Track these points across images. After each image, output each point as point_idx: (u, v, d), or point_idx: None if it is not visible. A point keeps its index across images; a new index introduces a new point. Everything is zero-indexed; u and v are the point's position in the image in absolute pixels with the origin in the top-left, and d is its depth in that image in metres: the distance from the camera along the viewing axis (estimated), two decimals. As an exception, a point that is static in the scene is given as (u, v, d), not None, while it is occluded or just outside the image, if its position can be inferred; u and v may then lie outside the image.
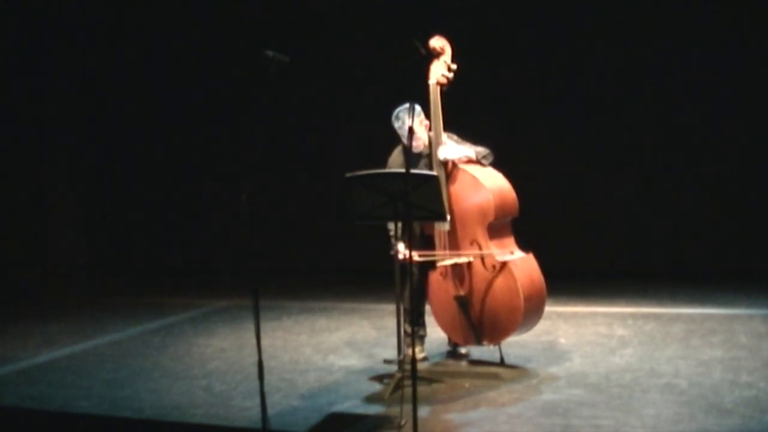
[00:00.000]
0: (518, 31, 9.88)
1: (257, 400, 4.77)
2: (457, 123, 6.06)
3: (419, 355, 6.07)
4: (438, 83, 5.87)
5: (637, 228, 9.71)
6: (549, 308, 6.22)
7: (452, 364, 6.17)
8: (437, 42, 5.91)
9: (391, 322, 6.58)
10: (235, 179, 5.87)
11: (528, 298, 5.71)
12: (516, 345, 6.27)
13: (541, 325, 6.31)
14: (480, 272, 5.81)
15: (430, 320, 6.25)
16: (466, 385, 5.65)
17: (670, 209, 9.58)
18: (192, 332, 7.77)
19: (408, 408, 4.61)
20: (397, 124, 5.96)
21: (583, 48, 9.71)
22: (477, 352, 6.21)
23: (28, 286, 10.91)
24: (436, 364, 6.18)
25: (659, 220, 9.63)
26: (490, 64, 9.57)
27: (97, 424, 5.30)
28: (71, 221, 11.92)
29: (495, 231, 5.83)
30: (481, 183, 5.78)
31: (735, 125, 9.34)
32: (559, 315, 7.60)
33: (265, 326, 6.30)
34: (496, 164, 6.00)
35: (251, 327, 4.70)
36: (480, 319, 5.84)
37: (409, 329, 5.99)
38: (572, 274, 8.91)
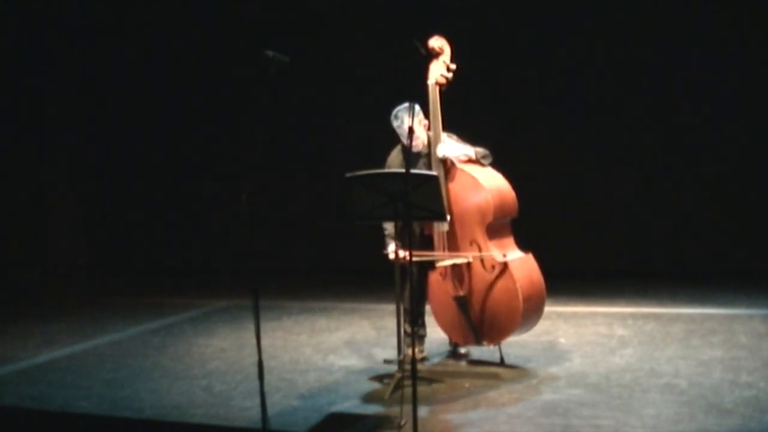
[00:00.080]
0: (518, 31, 9.87)
1: (257, 400, 4.77)
2: (457, 123, 6.06)
3: (419, 355, 6.07)
4: (437, 83, 5.87)
5: (637, 228, 9.70)
6: (549, 308, 6.22)
7: (452, 364, 6.17)
8: (436, 42, 5.92)
9: (391, 322, 6.58)
10: (235, 179, 5.87)
11: (527, 299, 5.71)
12: (516, 345, 6.27)
13: (541, 325, 6.31)
14: (479, 273, 5.80)
15: (430, 320, 6.25)
16: (466, 385, 5.65)
17: (670, 209, 9.58)
18: (192, 332, 7.77)
19: (408, 408, 4.61)
20: (395, 124, 5.96)
21: (583, 48, 9.71)
22: (477, 352, 6.22)
23: (28, 286, 10.91)
24: (436, 364, 6.18)
25: (659, 220, 9.63)
26: (490, 64, 9.57)
27: (97, 424, 5.30)
28: (71, 221, 11.92)
29: (494, 231, 5.83)
30: (480, 183, 5.77)
31: (735, 125, 9.33)
32: (559, 315, 7.60)
33: (265, 326, 6.30)
34: (496, 164, 6.00)
35: (251, 327, 4.70)
36: (480, 320, 5.84)
37: (409, 329, 6.00)
38: (572, 274, 8.91)
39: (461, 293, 5.87)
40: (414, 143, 5.77)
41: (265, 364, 4.72)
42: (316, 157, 10.68)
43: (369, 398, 5.49)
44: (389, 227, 5.95)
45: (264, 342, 4.85)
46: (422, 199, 4.94)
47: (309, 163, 10.73)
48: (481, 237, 5.79)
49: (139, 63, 11.52)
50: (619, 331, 7.05)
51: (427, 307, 6.21)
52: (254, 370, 4.75)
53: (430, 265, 6.01)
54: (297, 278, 10.27)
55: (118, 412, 5.40)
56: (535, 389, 5.51)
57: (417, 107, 5.84)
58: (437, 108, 5.86)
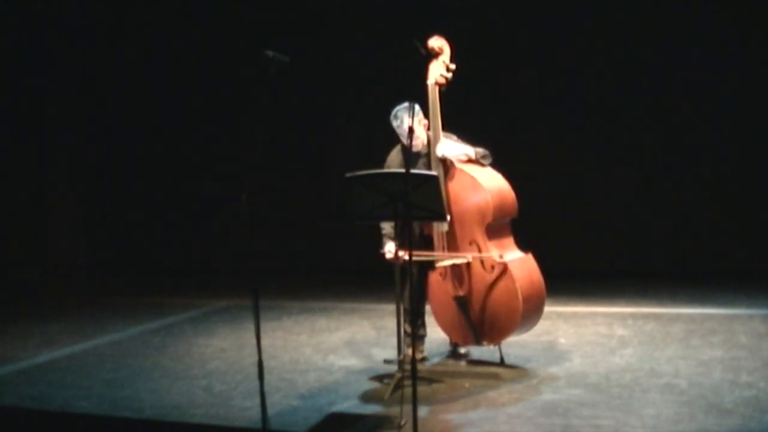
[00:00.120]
0: (518, 31, 9.87)
1: (257, 400, 4.77)
2: (457, 123, 6.06)
3: (419, 355, 6.07)
4: (437, 83, 5.87)
5: (637, 228, 9.70)
6: (549, 308, 6.22)
7: (452, 364, 6.17)
8: (436, 42, 5.91)
9: (391, 322, 6.58)
10: (235, 179, 5.86)
11: (527, 299, 5.71)
12: (516, 345, 6.27)
13: (541, 325, 6.31)
14: (479, 273, 5.80)
15: (430, 320, 6.25)
16: (466, 385, 5.65)
17: (670, 209, 9.58)
18: (192, 332, 7.77)
19: (408, 408, 4.61)
20: (395, 123, 5.95)
21: (583, 48, 9.71)
22: (477, 352, 6.22)
23: (28, 286, 10.91)
24: (436, 364, 6.18)
25: (659, 220, 9.63)
26: (490, 64, 9.56)
27: (97, 424, 5.30)
28: (71, 221, 11.92)
29: (494, 232, 5.83)
30: (480, 184, 5.77)
31: (735, 125, 9.33)
32: (559, 315, 7.60)
33: (265, 326, 6.29)
34: (496, 164, 5.99)
35: (251, 327, 4.70)
36: (479, 320, 5.84)
37: (409, 329, 5.99)
38: (572, 274, 8.91)
39: (461, 293, 5.87)
40: (414, 143, 5.77)
41: (265, 364, 4.72)
42: (316, 157, 10.67)
43: (369, 398, 5.49)
44: (387, 227, 5.94)
45: (264, 342, 4.85)
46: (422, 199, 4.94)
47: (309, 163, 10.72)
48: (480, 237, 5.78)
49: (139, 63, 11.52)
50: (619, 331, 7.05)
51: (427, 307, 6.21)
52: (254, 370, 4.75)
53: (430, 265, 6.01)
54: (297, 278, 10.27)
55: (118, 412, 5.40)
56: (535, 389, 5.51)
57: (417, 107, 5.84)
58: (437, 108, 5.86)
